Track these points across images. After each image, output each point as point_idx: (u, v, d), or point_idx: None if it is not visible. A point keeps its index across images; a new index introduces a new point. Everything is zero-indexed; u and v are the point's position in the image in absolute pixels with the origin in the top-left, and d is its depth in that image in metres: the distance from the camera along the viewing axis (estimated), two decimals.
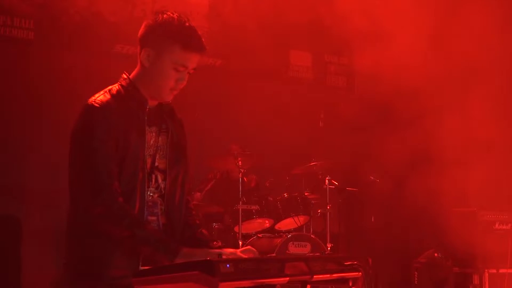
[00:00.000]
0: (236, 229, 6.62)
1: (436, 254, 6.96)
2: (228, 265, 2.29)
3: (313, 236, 6.72)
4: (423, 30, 6.71)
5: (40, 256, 6.38)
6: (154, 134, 3.03)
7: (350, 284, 2.79)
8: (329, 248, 6.78)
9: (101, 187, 2.80)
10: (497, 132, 6.90)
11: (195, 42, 2.97)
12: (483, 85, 7.05)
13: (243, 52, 8.02)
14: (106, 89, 3.00)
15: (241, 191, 6.60)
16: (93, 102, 2.90)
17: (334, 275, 2.70)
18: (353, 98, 8.64)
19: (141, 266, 2.81)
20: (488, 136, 6.70)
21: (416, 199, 6.75)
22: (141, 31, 3.02)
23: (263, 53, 8.17)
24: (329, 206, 7.02)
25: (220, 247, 3.01)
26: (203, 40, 3.00)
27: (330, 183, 7.08)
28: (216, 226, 6.84)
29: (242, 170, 6.65)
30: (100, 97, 2.94)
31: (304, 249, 6.55)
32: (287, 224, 6.85)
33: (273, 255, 6.17)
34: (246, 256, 2.81)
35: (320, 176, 7.14)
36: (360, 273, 2.71)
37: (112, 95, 2.96)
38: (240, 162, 6.62)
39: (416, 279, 6.89)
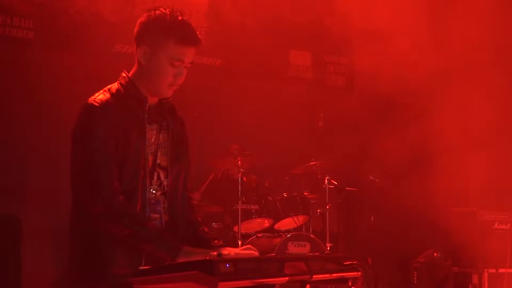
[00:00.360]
0: (235, 228, 6.62)
1: (435, 254, 6.96)
2: (227, 265, 2.30)
3: (313, 236, 6.72)
4: (423, 30, 6.72)
5: (40, 256, 6.38)
6: (155, 131, 3.04)
7: (350, 283, 2.79)
8: (328, 248, 6.78)
9: (100, 186, 2.80)
10: (497, 132, 6.91)
11: (189, 35, 2.96)
12: (483, 84, 7.06)
13: (243, 52, 8.02)
14: (106, 88, 3.01)
15: (240, 190, 6.60)
16: (92, 101, 2.91)
17: (333, 274, 2.70)
18: (352, 97, 8.64)
19: (144, 264, 2.82)
20: (488, 136, 6.70)
21: (416, 199, 6.75)
22: (135, 29, 3.02)
23: (263, 52, 8.17)
24: (329, 206, 7.02)
25: (220, 246, 3.02)
26: (198, 33, 3.00)
27: (330, 183, 7.08)
28: (215, 226, 6.84)
29: (241, 170, 6.65)
30: (100, 96, 2.94)
31: (303, 249, 6.55)
32: (287, 223, 6.85)
33: (273, 254, 6.17)
34: (246, 253, 2.81)
35: (320, 176, 7.14)
36: (360, 272, 2.71)
37: (112, 94, 2.96)
38: (239, 162, 6.62)
39: (415, 278, 6.89)
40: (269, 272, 2.43)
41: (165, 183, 3.03)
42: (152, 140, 3.02)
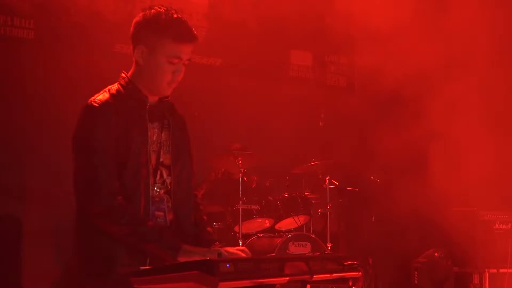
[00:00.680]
0: (236, 228, 6.62)
1: (436, 254, 6.95)
2: (228, 265, 2.29)
3: (313, 236, 6.71)
4: (423, 30, 6.71)
5: (40, 256, 6.37)
6: (156, 130, 3.05)
7: (350, 284, 2.79)
8: (329, 248, 6.77)
9: (99, 186, 2.81)
10: (498, 131, 6.90)
11: (185, 32, 2.96)
12: (484, 84, 7.05)
13: (244, 52, 8.01)
14: (106, 89, 3.02)
15: (241, 190, 6.59)
16: (92, 102, 2.92)
17: (334, 274, 2.70)
18: (353, 97, 8.64)
19: (149, 261, 2.82)
20: (489, 136, 6.70)
21: (417, 199, 6.74)
22: (131, 29, 3.03)
23: (264, 52, 8.17)
24: (329, 206, 7.02)
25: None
26: (194, 29, 3.00)
27: (330, 183, 7.08)
28: (216, 226, 6.84)
29: (242, 170, 6.65)
30: (100, 96, 2.95)
31: (304, 249, 6.54)
32: (287, 223, 6.85)
33: (273, 254, 6.17)
34: (243, 254, 2.82)
35: (320, 176, 7.14)
36: (360, 272, 2.71)
37: (112, 95, 2.97)
38: (240, 162, 6.62)
39: (416, 278, 6.89)
40: (270, 272, 2.42)
41: (168, 181, 3.04)
42: (154, 138, 3.03)
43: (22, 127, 6.67)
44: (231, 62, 8.01)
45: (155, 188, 2.99)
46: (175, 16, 2.97)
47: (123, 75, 3.05)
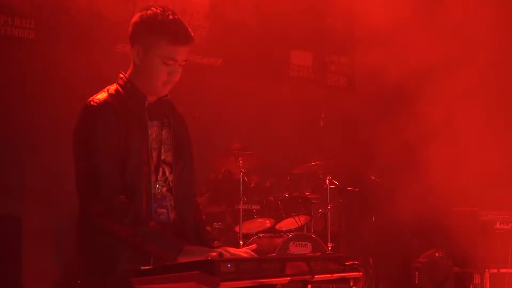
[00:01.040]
0: (237, 229, 6.61)
1: (436, 254, 6.96)
2: (229, 265, 2.29)
3: (314, 236, 6.71)
4: (423, 30, 6.71)
5: (40, 256, 6.37)
6: (156, 128, 3.05)
7: (351, 284, 2.78)
8: (330, 248, 6.77)
9: (100, 185, 2.81)
10: (498, 131, 6.90)
11: (181, 34, 2.95)
12: (484, 84, 7.05)
13: (244, 52, 8.02)
14: (105, 89, 3.03)
15: (241, 190, 6.59)
16: (91, 102, 2.93)
17: (335, 275, 2.69)
18: (353, 97, 8.64)
19: (153, 259, 2.82)
20: (489, 135, 6.69)
21: (417, 199, 6.74)
22: (129, 29, 3.03)
23: (264, 52, 8.17)
24: (330, 206, 7.01)
25: (219, 247, 3.02)
26: (190, 30, 2.98)
27: (331, 183, 7.07)
28: (217, 226, 6.83)
29: (243, 170, 6.64)
30: (99, 96, 2.96)
31: (305, 249, 6.54)
32: (288, 224, 6.84)
33: (274, 255, 6.17)
34: (247, 256, 2.81)
35: (321, 176, 7.13)
36: (361, 272, 2.71)
37: (111, 94, 2.97)
38: (241, 162, 6.62)
39: (416, 278, 6.89)
40: (271, 272, 2.42)
41: (170, 178, 3.04)
42: (154, 135, 3.02)
43: (22, 127, 6.67)
44: (231, 62, 8.01)
45: (157, 186, 2.99)
46: (171, 17, 2.96)
47: (121, 75, 3.06)
